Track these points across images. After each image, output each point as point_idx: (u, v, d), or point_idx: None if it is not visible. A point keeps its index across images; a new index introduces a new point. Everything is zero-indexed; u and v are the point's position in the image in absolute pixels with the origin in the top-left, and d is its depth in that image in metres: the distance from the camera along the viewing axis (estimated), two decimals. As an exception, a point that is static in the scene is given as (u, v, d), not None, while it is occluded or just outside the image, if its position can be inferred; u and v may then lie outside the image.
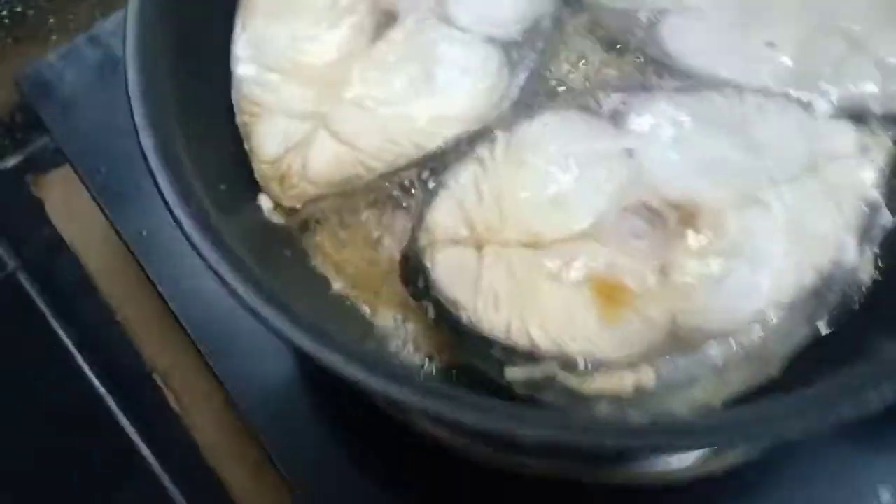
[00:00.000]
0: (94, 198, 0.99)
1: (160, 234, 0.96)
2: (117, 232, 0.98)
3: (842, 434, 0.87)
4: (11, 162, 1.22)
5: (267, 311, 0.60)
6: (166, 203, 0.63)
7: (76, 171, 1.00)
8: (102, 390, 1.12)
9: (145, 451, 1.08)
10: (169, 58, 0.72)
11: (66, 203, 1.19)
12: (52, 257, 1.19)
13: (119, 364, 1.13)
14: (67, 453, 1.08)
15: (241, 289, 0.60)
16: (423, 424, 0.84)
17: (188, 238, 0.62)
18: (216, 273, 0.61)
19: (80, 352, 1.14)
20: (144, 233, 0.96)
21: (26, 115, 1.19)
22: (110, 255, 1.11)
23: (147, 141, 0.66)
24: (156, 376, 1.12)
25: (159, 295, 0.96)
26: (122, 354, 1.13)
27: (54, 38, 1.18)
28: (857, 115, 0.77)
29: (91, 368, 1.13)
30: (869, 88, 0.78)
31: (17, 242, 1.19)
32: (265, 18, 0.79)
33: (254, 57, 0.78)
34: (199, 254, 0.62)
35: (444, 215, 0.71)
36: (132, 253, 0.97)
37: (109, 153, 0.98)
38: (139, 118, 0.66)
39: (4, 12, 1.15)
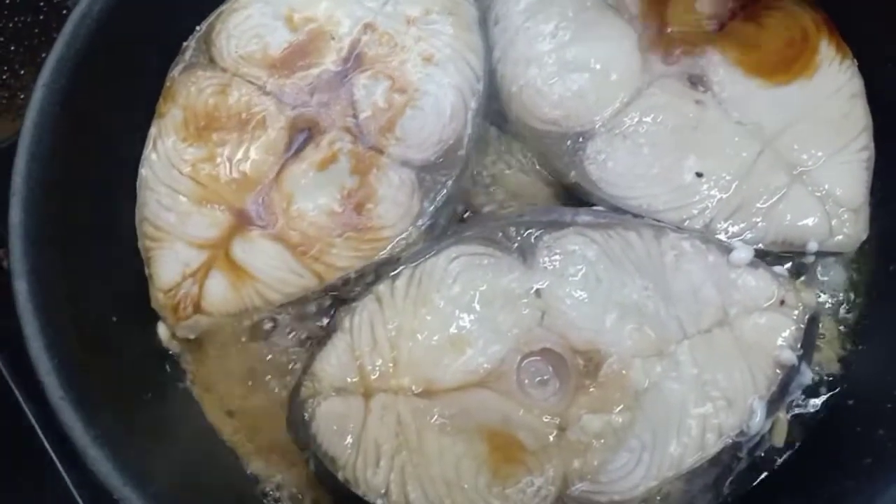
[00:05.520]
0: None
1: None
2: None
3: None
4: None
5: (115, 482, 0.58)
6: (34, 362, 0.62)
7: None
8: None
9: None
10: (66, 184, 0.70)
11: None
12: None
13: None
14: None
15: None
16: None
17: (49, 395, 0.61)
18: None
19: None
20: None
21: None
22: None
23: (20, 286, 0.64)
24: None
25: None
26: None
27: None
28: (789, 256, 0.72)
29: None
30: (808, 223, 0.73)
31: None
32: (177, 137, 0.77)
33: (161, 178, 0.75)
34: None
35: (333, 362, 0.68)
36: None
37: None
38: (17, 261, 0.65)
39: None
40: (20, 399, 1.12)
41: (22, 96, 1.18)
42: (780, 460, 0.67)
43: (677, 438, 0.64)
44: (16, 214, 0.67)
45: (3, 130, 1.13)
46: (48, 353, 0.63)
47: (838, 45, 0.77)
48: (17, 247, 0.66)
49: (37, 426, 1.10)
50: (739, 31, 0.79)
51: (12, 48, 1.15)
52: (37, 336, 0.63)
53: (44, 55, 1.17)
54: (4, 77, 1.17)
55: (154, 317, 0.74)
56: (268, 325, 0.74)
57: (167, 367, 0.73)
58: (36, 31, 1.16)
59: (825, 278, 0.74)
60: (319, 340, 0.70)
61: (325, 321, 0.74)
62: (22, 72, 1.17)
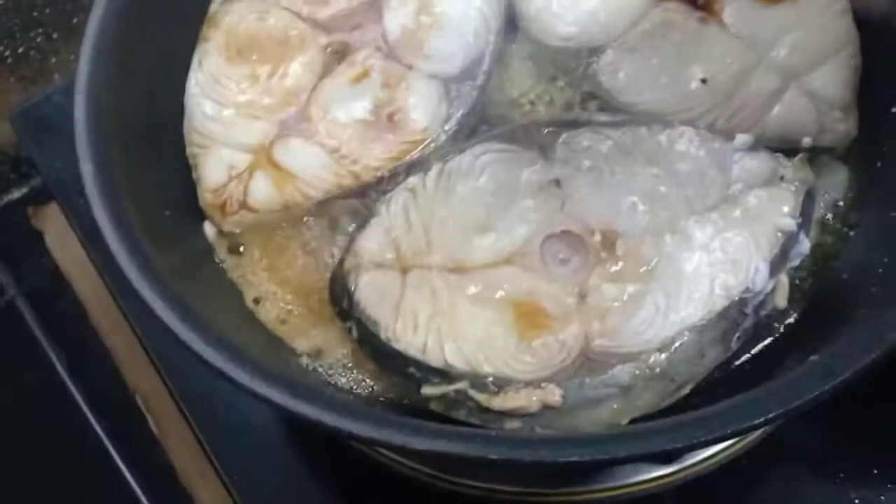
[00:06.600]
0: (74, 229, 1.04)
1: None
2: (94, 263, 1.02)
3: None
4: (16, 194, 1.28)
5: (190, 336, 0.64)
6: (100, 225, 0.68)
7: (59, 203, 1.06)
8: (89, 412, 1.16)
9: (126, 471, 1.12)
10: (121, 92, 0.77)
11: (63, 234, 1.24)
12: (49, 286, 1.23)
13: (105, 388, 1.17)
14: (51, 471, 1.12)
15: (157, 305, 0.64)
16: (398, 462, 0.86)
17: (118, 261, 0.66)
18: (140, 295, 0.65)
19: (70, 375, 1.18)
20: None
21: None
22: (99, 285, 1.15)
23: (86, 168, 0.70)
24: (139, 400, 1.15)
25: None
26: (108, 379, 1.17)
27: (56, 76, 1.25)
28: (785, 149, 0.78)
29: (79, 391, 1.17)
30: (802, 121, 0.79)
31: (17, 270, 1.25)
32: (220, 58, 0.83)
33: (207, 93, 0.82)
34: (129, 281, 0.66)
35: (371, 241, 0.74)
36: (107, 285, 1.01)
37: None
38: (81, 149, 0.71)
39: (7, 52, 1.22)
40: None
41: (54, 60, 1.25)
42: (784, 321, 0.73)
43: (688, 298, 0.70)
44: (79, 111, 0.74)
45: (34, 94, 1.20)
46: (114, 226, 0.68)
47: (825, -31, 0.85)
48: (82, 137, 0.72)
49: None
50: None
51: (47, 11, 1.22)
52: (102, 210, 0.69)
53: (75, 20, 1.25)
54: (38, 40, 1.24)
55: (201, 217, 0.80)
56: (307, 221, 0.80)
57: (215, 259, 0.79)
58: (70, -4, 1.24)
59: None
60: (358, 226, 0.76)
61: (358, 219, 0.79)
62: (55, 35, 1.24)
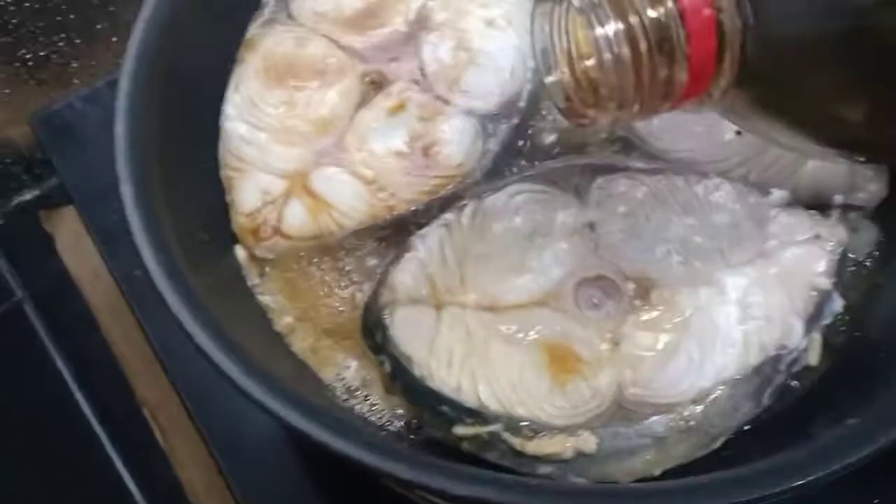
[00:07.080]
0: (91, 236, 1.03)
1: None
2: (110, 271, 1.02)
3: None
4: (27, 196, 1.27)
5: (223, 360, 0.63)
6: (139, 248, 0.67)
7: (77, 209, 1.05)
8: (94, 422, 1.16)
9: (131, 484, 1.11)
10: (160, 111, 0.76)
11: (75, 239, 1.23)
12: (58, 291, 1.23)
13: (112, 398, 1.16)
14: (55, 482, 1.11)
15: (197, 334, 0.64)
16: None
17: (155, 283, 0.66)
18: (176, 318, 0.64)
19: (77, 383, 1.18)
20: (138, 273, 0.99)
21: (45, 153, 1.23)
22: (111, 293, 1.14)
23: (126, 189, 0.70)
24: (145, 412, 1.15)
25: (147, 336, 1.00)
26: (115, 388, 1.16)
27: (76, 81, 1.24)
28: (816, 206, 0.79)
29: (85, 400, 1.17)
30: (834, 179, 0.80)
31: (26, 274, 1.24)
32: (258, 81, 0.83)
33: (243, 116, 0.82)
34: (166, 304, 0.66)
35: (407, 276, 0.74)
36: (123, 293, 1.01)
37: (113, 195, 1.02)
38: (121, 168, 0.70)
39: (28, 55, 1.21)
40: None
41: (75, 65, 1.24)
42: (814, 379, 0.74)
43: (723, 352, 0.71)
44: (120, 127, 0.73)
45: (53, 98, 1.20)
46: (153, 248, 0.68)
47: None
48: (123, 156, 0.72)
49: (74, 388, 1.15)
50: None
51: (71, 17, 1.22)
52: (142, 232, 0.68)
53: (98, 26, 1.24)
54: (60, 45, 1.23)
55: (233, 240, 0.80)
56: (339, 251, 0.80)
57: (247, 284, 0.79)
58: (95, 2, 1.23)
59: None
60: (392, 261, 0.77)
61: (392, 252, 0.79)
62: (77, 41, 1.23)
